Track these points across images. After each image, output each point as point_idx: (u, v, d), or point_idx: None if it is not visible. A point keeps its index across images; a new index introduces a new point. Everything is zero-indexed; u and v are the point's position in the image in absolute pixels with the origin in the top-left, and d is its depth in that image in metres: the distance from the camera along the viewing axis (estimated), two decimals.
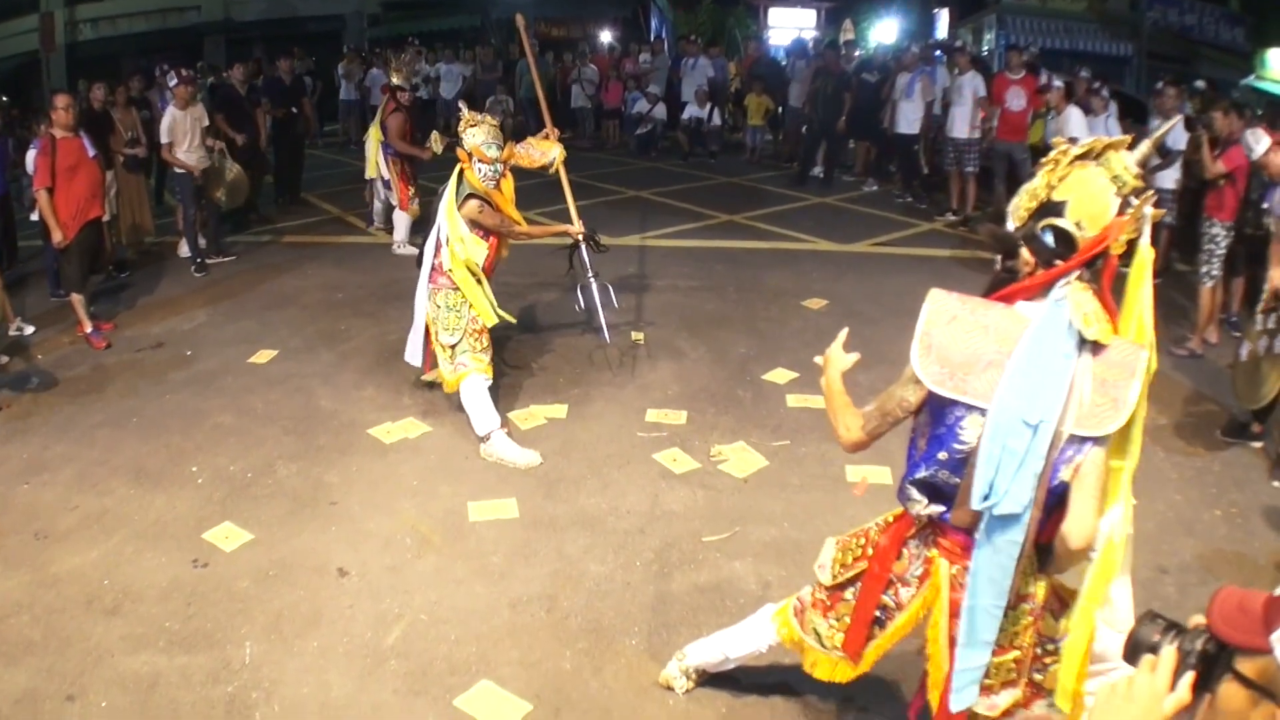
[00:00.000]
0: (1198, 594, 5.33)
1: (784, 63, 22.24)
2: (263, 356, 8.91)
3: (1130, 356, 3.00)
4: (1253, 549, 5.91)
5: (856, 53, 19.30)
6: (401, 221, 12.41)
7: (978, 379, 3.01)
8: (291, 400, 7.95)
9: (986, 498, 2.99)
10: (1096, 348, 2.99)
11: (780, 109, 20.28)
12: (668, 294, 10.51)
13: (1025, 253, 3.10)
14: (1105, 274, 3.07)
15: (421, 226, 9.07)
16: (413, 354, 7.42)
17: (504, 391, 7.86)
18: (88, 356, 9.15)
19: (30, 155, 9.52)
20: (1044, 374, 2.94)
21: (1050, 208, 3.03)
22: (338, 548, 5.82)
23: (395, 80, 12.71)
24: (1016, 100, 13.65)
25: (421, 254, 7.26)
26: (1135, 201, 2.96)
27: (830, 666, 3.78)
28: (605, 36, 28.67)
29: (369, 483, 6.62)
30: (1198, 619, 1.97)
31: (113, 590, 5.46)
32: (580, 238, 8.16)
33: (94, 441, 7.37)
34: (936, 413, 3.15)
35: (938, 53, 18.04)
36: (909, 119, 15.65)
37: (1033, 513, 3.01)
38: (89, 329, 9.40)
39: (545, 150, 7.86)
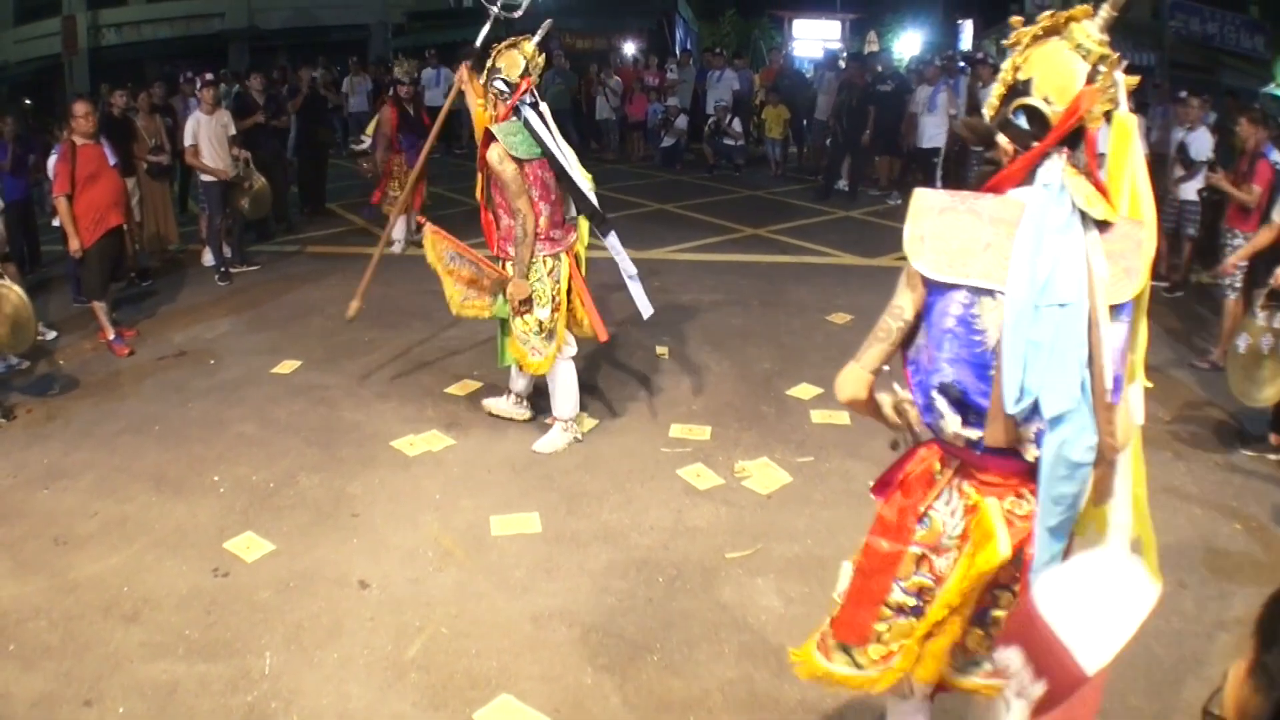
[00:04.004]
0: (1215, 608, 5.31)
1: (808, 74, 22.27)
2: (286, 367, 8.92)
3: (1132, 230, 2.92)
4: (1272, 561, 5.86)
5: (878, 67, 19.30)
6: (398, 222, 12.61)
7: (978, 260, 2.85)
8: (314, 411, 7.95)
9: (1019, 400, 2.77)
10: (1102, 226, 2.86)
11: (805, 121, 20.26)
12: (692, 308, 10.48)
13: (1002, 140, 2.97)
14: (1087, 150, 2.91)
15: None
16: None
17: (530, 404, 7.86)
18: (110, 363, 9.18)
19: (51, 161, 9.54)
20: (1053, 255, 2.77)
21: (1018, 89, 2.91)
22: (359, 559, 5.80)
23: (396, 73, 12.87)
24: None
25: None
26: (1104, 69, 2.81)
27: (883, 678, 3.35)
28: (630, 48, 28.71)
29: (391, 495, 6.59)
30: None
31: (132, 597, 5.45)
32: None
33: (115, 448, 7.37)
34: (942, 312, 2.93)
35: (962, 64, 18.01)
36: (930, 133, 15.60)
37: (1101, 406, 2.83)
38: (111, 336, 9.42)
39: None
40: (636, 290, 7.07)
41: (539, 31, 6.86)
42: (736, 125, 20.12)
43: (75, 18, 34.91)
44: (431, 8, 38.92)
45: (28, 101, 19.92)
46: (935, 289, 2.92)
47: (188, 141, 11.76)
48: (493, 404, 7.73)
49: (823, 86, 19.06)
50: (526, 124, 6.64)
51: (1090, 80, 2.79)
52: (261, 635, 5.11)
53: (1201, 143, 11.17)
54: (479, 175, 6.96)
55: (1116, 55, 2.82)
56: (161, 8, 37.27)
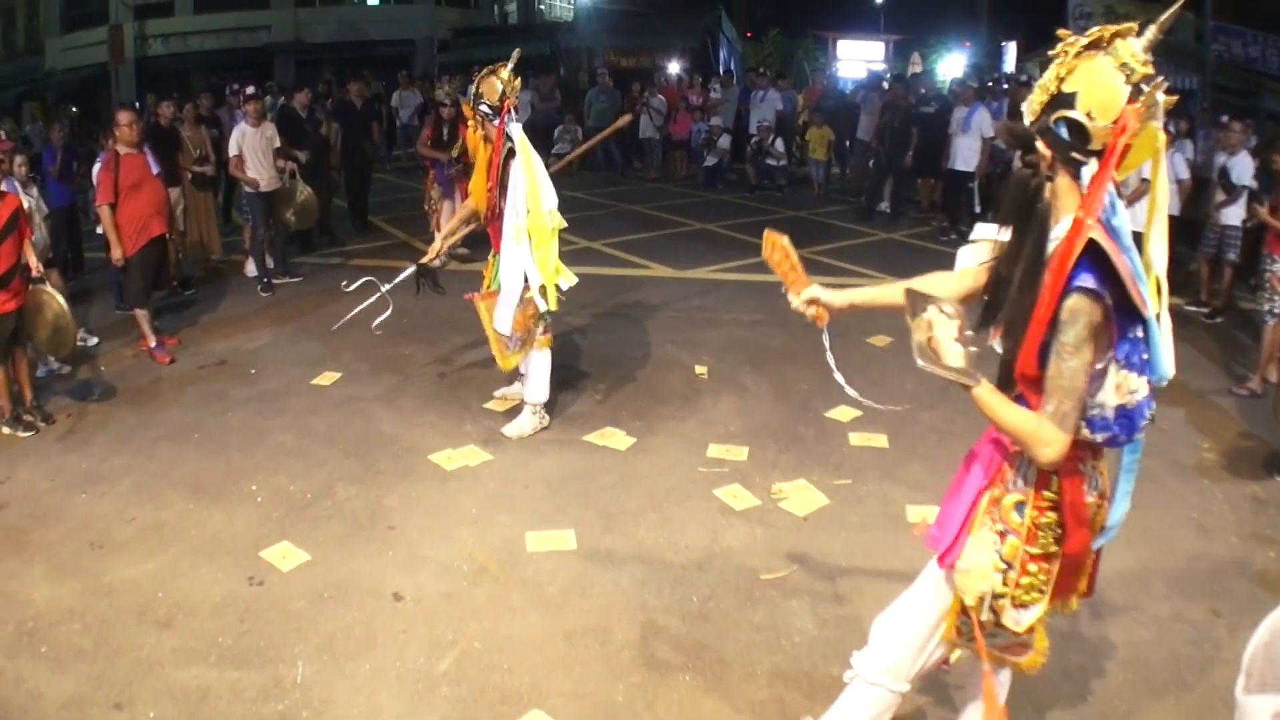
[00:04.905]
0: (1248, 636, 5.21)
1: (850, 94, 22.24)
2: (326, 378, 8.94)
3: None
4: None
5: (922, 89, 19.23)
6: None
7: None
8: (353, 423, 7.96)
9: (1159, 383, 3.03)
10: None
11: (848, 142, 20.22)
12: (732, 328, 10.47)
13: (1041, 146, 2.99)
14: (1106, 158, 2.90)
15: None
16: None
17: (569, 420, 7.94)
18: (151, 370, 9.24)
19: (95, 169, 9.62)
20: (1133, 267, 2.91)
21: (1061, 100, 2.92)
22: (394, 572, 5.79)
23: (438, 94, 12.96)
24: None
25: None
26: (1146, 88, 2.82)
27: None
28: (674, 67, 28.74)
29: (428, 509, 6.58)
30: None
31: (166, 603, 5.46)
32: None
33: (154, 454, 7.41)
34: (1135, 343, 2.99)
35: (1006, 86, 17.90)
36: (964, 155, 15.50)
37: None
38: (153, 343, 9.48)
39: None
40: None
41: (512, 59, 7.27)
42: (779, 145, 20.06)
43: (122, 27, 35.23)
44: (477, 24, 39.16)
45: (74, 109, 20.09)
46: (1124, 330, 2.95)
47: (232, 152, 11.85)
48: (515, 429, 7.73)
49: (866, 107, 19.02)
50: (509, 138, 7.11)
51: (1133, 99, 2.81)
52: (294, 644, 5.11)
53: (1243, 167, 11.09)
54: (487, 192, 7.43)
55: (1161, 78, 2.83)
56: (208, 19, 37.64)
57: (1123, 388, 2.98)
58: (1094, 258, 2.84)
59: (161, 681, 4.81)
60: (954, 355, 3.10)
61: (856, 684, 3.76)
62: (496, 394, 8.28)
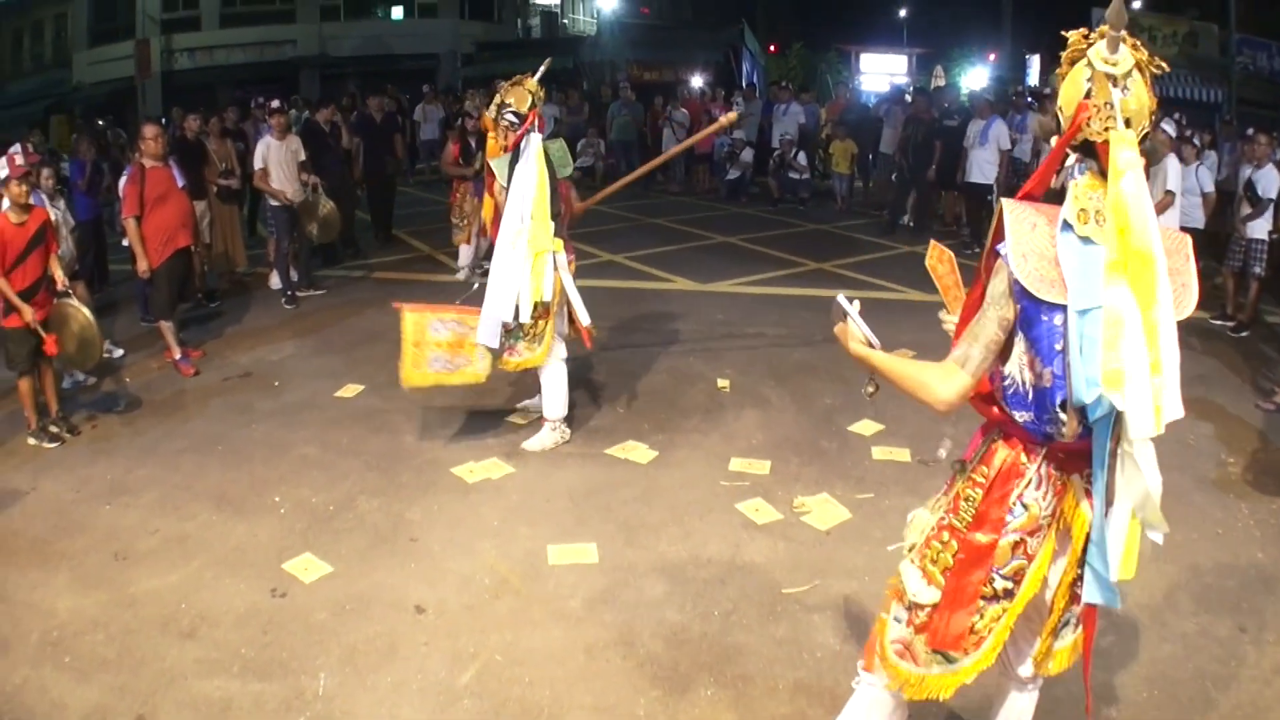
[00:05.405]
0: (1274, 653, 5.19)
1: (873, 107, 22.21)
2: (349, 391, 8.96)
3: (1179, 243, 3.07)
4: None
5: (945, 102, 19.18)
6: (467, 251, 13.04)
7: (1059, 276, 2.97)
8: (376, 436, 7.97)
9: (1090, 393, 2.91)
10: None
11: (870, 156, 20.18)
12: (754, 341, 10.45)
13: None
14: (1102, 161, 2.96)
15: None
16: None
17: (590, 433, 7.94)
18: (175, 382, 9.28)
19: (121, 183, 9.67)
20: (1083, 260, 2.91)
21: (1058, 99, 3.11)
22: (416, 584, 5.79)
23: (466, 106, 12.96)
24: None
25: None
26: (1096, 86, 2.93)
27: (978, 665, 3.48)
28: (696, 81, 28.75)
29: (450, 521, 6.58)
30: None
31: (189, 614, 5.47)
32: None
33: (178, 466, 7.44)
34: (1049, 329, 2.99)
35: (1030, 99, 17.85)
36: (981, 167, 15.48)
37: None
38: (177, 355, 9.52)
39: None
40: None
41: (540, 68, 7.42)
42: (802, 159, 20.02)
43: (149, 41, 35.47)
44: (500, 38, 39.27)
45: (100, 122, 20.17)
46: (1036, 306, 2.99)
47: (257, 165, 11.89)
48: (536, 444, 7.73)
49: (889, 121, 19.00)
50: (516, 153, 7.19)
51: (1087, 96, 2.93)
52: (317, 656, 5.12)
53: (1269, 180, 11.03)
54: (489, 199, 7.66)
55: (1110, 74, 2.91)
56: (234, 34, 37.87)
57: (1033, 366, 3.06)
58: None
59: (184, 692, 4.82)
60: (859, 336, 3.44)
61: (862, 688, 3.78)
62: (518, 406, 8.29)
